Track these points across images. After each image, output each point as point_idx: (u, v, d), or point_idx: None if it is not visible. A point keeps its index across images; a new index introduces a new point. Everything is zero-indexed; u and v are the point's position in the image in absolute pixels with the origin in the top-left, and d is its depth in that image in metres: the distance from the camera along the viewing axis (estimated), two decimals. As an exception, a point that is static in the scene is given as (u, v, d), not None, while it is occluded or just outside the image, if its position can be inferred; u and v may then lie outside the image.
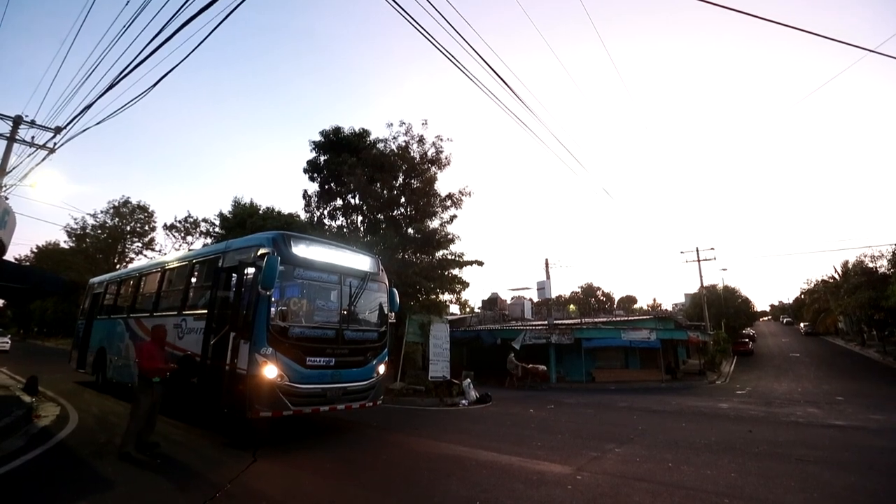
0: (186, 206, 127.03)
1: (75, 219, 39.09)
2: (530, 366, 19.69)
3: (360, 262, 8.14)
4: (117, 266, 37.16)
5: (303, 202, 21.85)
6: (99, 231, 39.72)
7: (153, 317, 9.06)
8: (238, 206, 26.09)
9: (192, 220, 37.17)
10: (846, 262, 38.87)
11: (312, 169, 21.17)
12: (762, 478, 5.57)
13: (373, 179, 19.50)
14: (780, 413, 12.11)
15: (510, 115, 8.63)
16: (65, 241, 40.64)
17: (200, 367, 7.14)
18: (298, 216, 23.21)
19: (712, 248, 33.42)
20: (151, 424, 5.98)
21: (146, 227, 42.11)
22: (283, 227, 18.95)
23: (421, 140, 20.19)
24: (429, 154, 20.17)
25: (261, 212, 24.89)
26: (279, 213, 24.84)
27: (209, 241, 28.68)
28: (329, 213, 21.37)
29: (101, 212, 40.18)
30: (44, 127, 12.79)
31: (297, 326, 6.82)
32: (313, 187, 21.48)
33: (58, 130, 12.75)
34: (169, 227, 37.37)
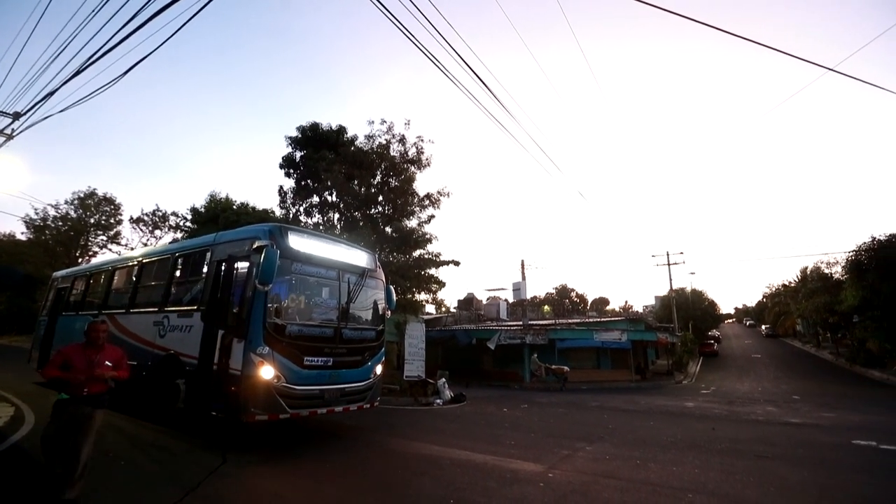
0: (155, 200, 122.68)
1: (36, 209, 37.13)
2: (554, 367, 20.03)
3: (358, 257, 7.87)
4: (79, 260, 35.51)
5: (278, 198, 21.49)
6: (60, 223, 37.86)
7: (130, 314, 8.59)
8: (214, 201, 25.43)
9: (160, 213, 35.95)
10: (805, 268, 40.93)
11: (288, 165, 20.81)
12: (723, 473, 5.82)
13: (351, 177, 19.31)
14: (741, 412, 12.64)
15: (487, 115, 8.72)
16: (22, 233, 38.52)
17: (187, 368, 6.75)
18: (273, 212, 22.78)
19: (682, 253, 34.74)
20: (68, 469, 4.07)
21: (112, 220, 40.33)
22: (258, 223, 18.55)
23: (402, 139, 20.12)
24: (409, 154, 20.11)
25: (235, 207, 24.31)
26: (254, 208, 24.31)
27: (179, 235, 27.85)
28: (305, 209, 21.05)
29: (65, 203, 38.29)
30: (0, 112, 12.14)
31: (294, 324, 6.48)
32: (289, 183, 21.12)
33: (16, 116, 12.09)
34: (136, 221, 36.08)
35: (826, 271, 33.58)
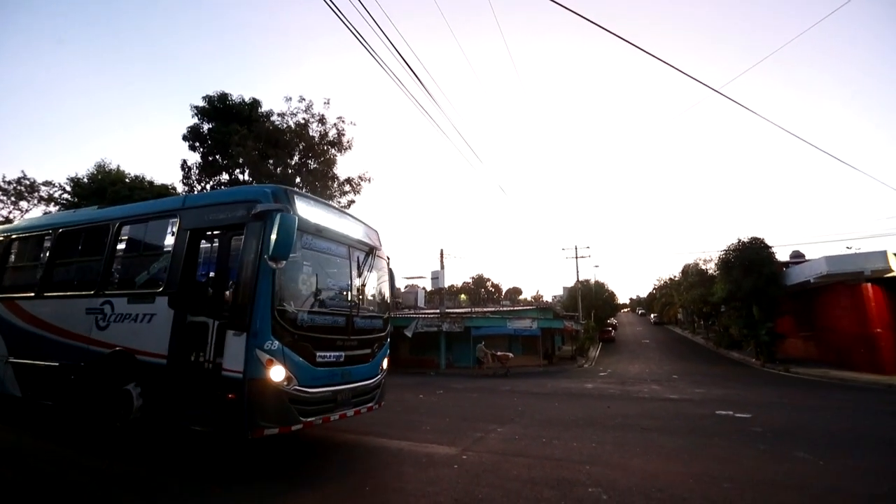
0: (21, 166, 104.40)
1: None
2: (500, 353, 20.45)
3: (365, 232, 6.75)
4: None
5: (181, 173, 19.61)
6: None
7: (44, 298, 6.82)
8: (102, 172, 22.26)
9: (27, 182, 30.69)
10: (687, 264, 46.60)
11: (194, 137, 19.01)
12: (616, 446, 6.51)
13: (266, 155, 18.16)
14: (632, 391, 14.16)
15: (412, 101, 8.65)
16: None
17: (145, 370, 5.38)
18: (174, 188, 20.66)
19: (588, 247, 37.72)
20: None
21: (-41, 187, 33.66)
22: (154, 199, 16.71)
23: (322, 119, 19.38)
24: (329, 135, 19.44)
25: (127, 180, 21.58)
26: (151, 183, 21.79)
27: (54, 208, 24.05)
28: (212, 188, 19.40)
29: None
30: None
31: (306, 312, 5.33)
32: (194, 158, 19.39)
33: None
34: (-7, 189, 30.40)
35: (703, 267, 38.52)
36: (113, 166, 23.19)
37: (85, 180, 22.08)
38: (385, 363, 6.73)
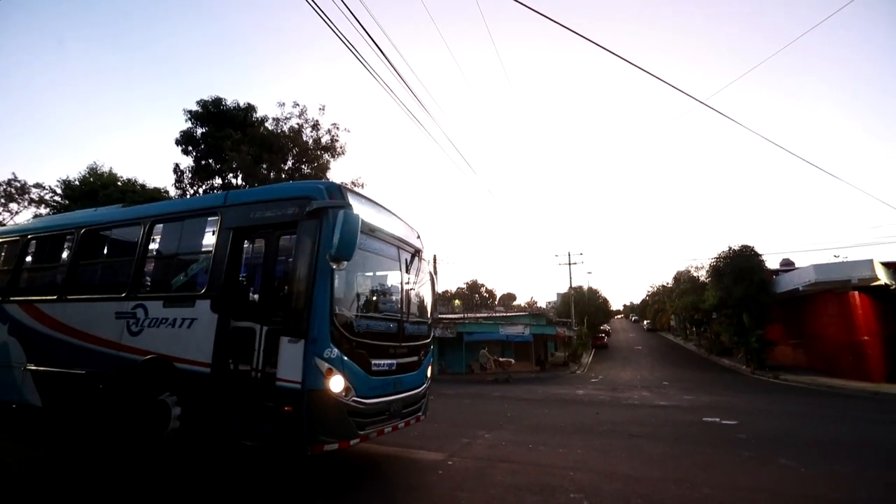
0: (12, 168, 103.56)
1: None
2: (502, 359, 20.61)
3: (409, 232, 6.38)
4: None
5: (173, 177, 19.57)
6: None
7: (66, 301, 6.37)
8: (94, 174, 22.21)
9: (18, 184, 30.45)
10: (679, 271, 46.96)
11: (187, 141, 19.00)
12: (602, 452, 6.56)
13: (259, 160, 18.19)
14: (622, 397, 14.24)
15: (402, 108, 8.74)
16: None
17: (185, 378, 5.05)
18: (167, 192, 20.62)
19: (581, 254, 38.02)
20: None
21: (-51, 189, 33.28)
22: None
23: (316, 125, 19.47)
24: (323, 141, 19.52)
25: (119, 183, 21.52)
26: (143, 186, 21.74)
27: (45, 211, 23.89)
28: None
29: None
30: None
31: (363, 318, 5.02)
32: (187, 162, 19.37)
33: None
34: (-16, 191, 30.11)
35: (694, 274, 38.83)
36: (105, 169, 23.18)
37: (76, 183, 22.03)
38: (430, 371, 6.43)
